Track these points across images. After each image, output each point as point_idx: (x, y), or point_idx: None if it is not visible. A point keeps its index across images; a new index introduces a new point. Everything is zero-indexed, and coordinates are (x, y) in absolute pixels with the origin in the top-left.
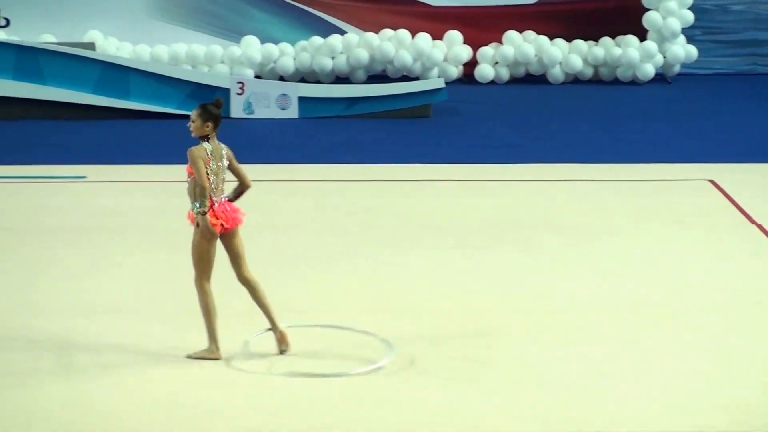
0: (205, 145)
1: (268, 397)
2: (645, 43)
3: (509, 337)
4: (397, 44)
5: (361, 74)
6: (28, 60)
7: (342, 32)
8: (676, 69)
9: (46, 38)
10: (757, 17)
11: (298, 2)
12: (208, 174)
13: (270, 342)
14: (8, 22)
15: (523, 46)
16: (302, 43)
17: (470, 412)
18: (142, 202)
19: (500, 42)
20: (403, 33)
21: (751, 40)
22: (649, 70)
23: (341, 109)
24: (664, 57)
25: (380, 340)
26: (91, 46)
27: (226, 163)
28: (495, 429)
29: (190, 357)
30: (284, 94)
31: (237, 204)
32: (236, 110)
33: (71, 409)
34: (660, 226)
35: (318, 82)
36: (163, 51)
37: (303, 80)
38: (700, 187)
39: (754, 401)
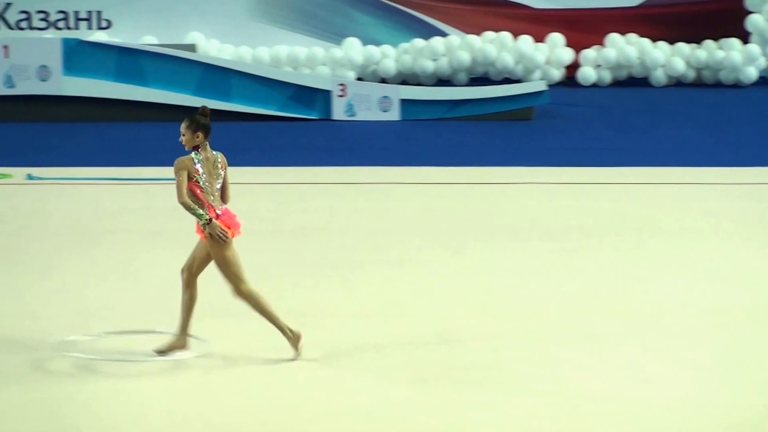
0: (194, 155)
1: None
2: (748, 46)
3: (616, 341)
4: (499, 46)
5: (463, 77)
6: (129, 62)
7: (444, 34)
8: None
9: (148, 40)
10: None
11: (400, 4)
12: (197, 182)
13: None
14: (110, 24)
15: (625, 49)
16: (404, 45)
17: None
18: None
19: (602, 44)
20: (505, 35)
21: None
22: (751, 73)
23: (443, 111)
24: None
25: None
26: (192, 47)
27: (221, 171)
28: None
29: (295, 358)
30: (386, 97)
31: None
32: (338, 112)
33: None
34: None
35: (419, 84)
36: (264, 53)
37: (404, 82)
38: None
39: None
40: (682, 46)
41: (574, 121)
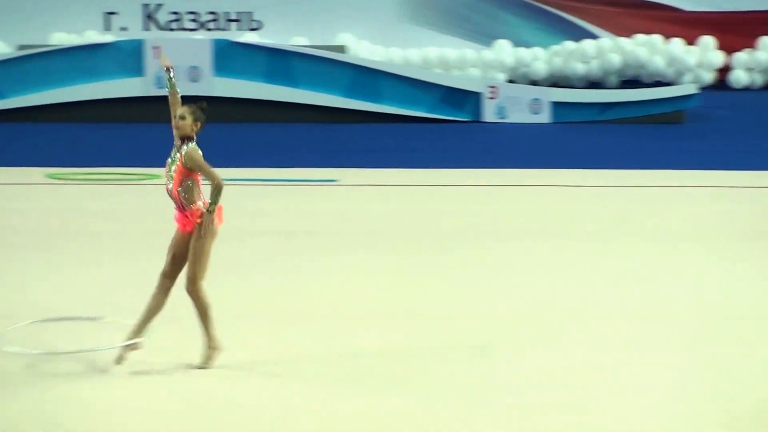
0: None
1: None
2: None
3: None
4: (650, 49)
5: (614, 79)
6: (279, 63)
7: (594, 37)
8: None
9: (298, 41)
10: None
11: (551, 6)
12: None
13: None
14: (260, 25)
15: None
16: (554, 47)
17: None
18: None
19: (754, 47)
20: (656, 38)
21: None
22: None
23: (594, 114)
24: None
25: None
26: (342, 49)
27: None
28: None
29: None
30: (536, 99)
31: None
32: (488, 114)
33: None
34: None
35: (570, 86)
36: (414, 54)
37: (555, 85)
38: None
39: None
40: None
41: (725, 124)
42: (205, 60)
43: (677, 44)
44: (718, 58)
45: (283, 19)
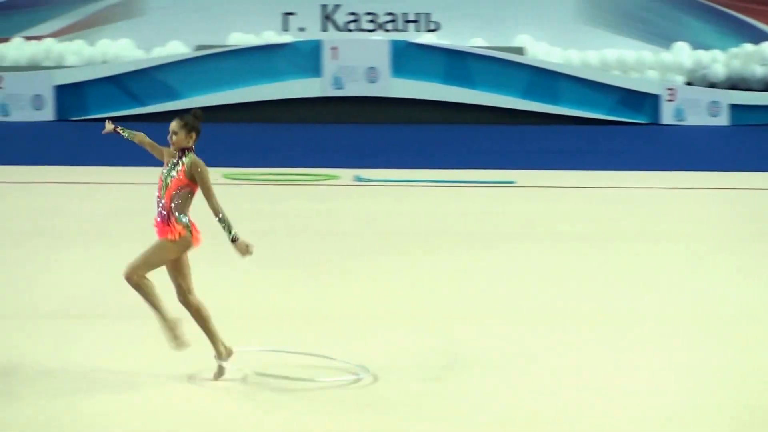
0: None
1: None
2: None
3: None
4: None
5: None
6: (457, 64)
7: None
8: None
9: (476, 42)
10: None
11: (730, 9)
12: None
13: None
14: (438, 26)
15: None
16: (733, 49)
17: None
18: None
19: None
20: None
21: None
22: None
23: None
24: None
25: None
26: (520, 50)
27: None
28: None
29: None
30: (715, 101)
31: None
32: (666, 117)
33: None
34: None
35: (749, 89)
36: (592, 56)
37: (733, 87)
38: None
39: None
40: None
41: None
42: (383, 61)
43: None
44: None
45: (461, 20)
